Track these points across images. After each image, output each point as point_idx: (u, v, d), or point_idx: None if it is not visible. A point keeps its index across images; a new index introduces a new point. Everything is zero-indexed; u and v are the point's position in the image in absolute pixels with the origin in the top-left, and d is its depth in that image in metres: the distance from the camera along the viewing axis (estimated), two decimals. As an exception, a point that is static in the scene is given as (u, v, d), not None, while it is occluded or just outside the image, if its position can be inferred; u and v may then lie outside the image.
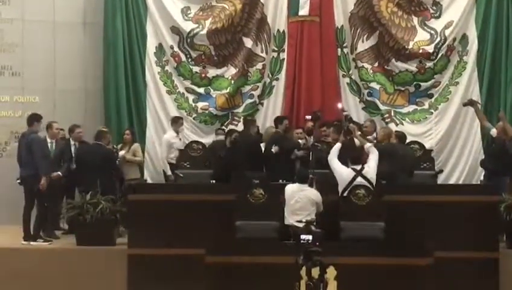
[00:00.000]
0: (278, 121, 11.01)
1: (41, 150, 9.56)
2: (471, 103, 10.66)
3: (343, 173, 8.61)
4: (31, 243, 9.54)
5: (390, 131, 10.43)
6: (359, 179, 8.53)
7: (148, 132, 12.45)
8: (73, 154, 10.46)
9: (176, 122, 11.62)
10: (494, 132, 10.10)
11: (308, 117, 10.79)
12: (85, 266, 9.11)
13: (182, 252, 8.73)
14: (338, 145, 8.94)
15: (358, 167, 8.60)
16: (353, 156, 8.76)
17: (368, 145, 8.93)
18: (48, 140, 10.06)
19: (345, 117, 10.23)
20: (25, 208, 9.71)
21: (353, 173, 8.54)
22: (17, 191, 9.92)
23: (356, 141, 9.55)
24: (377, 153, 8.77)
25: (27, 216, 9.67)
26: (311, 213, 8.31)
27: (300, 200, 8.43)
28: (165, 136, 11.70)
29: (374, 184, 8.59)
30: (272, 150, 10.22)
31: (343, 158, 8.82)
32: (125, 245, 9.14)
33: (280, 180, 9.38)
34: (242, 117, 12.29)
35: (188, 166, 10.42)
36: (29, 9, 12.09)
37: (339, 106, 11.36)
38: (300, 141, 10.62)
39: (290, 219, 8.38)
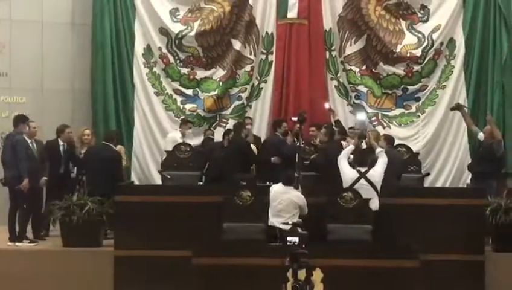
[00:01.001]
0: (276, 124, 11.02)
1: (24, 152, 9.50)
2: (458, 107, 10.72)
3: (347, 173, 8.65)
4: (17, 244, 9.49)
5: (377, 134, 10.45)
6: (362, 181, 8.54)
7: (135, 133, 12.44)
8: (62, 156, 10.37)
9: (185, 124, 11.62)
10: (481, 135, 10.17)
11: (294, 119, 10.78)
12: (71, 267, 9.06)
13: (169, 254, 8.71)
14: (350, 147, 9.00)
15: (363, 170, 8.61)
16: (360, 158, 8.79)
17: (378, 150, 8.91)
18: (28, 140, 9.71)
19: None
20: (10, 209, 9.65)
21: (357, 175, 8.55)
22: (3, 193, 9.85)
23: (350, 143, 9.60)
24: (386, 159, 8.76)
25: (12, 217, 9.61)
26: (294, 215, 8.30)
27: (283, 202, 8.43)
28: (171, 133, 11.72)
29: (379, 189, 8.57)
30: (272, 159, 10.27)
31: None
32: (112, 246, 9.11)
33: (268, 182, 9.40)
34: (230, 120, 12.31)
35: (176, 167, 10.39)
36: (17, 10, 11.98)
37: (326, 105, 11.39)
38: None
39: (273, 220, 8.42)
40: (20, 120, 9.82)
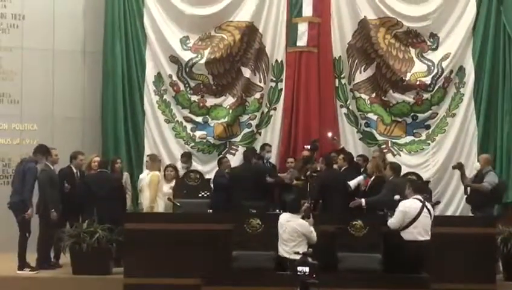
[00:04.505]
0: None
1: (32, 181, 9.50)
2: (460, 166, 10.68)
3: (410, 207, 8.26)
4: (17, 272, 9.45)
5: (377, 163, 10.30)
6: (425, 210, 8.27)
7: (145, 160, 12.43)
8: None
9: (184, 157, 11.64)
10: (477, 165, 10.24)
11: (307, 147, 10.81)
12: (81, 295, 9.07)
13: (178, 282, 8.69)
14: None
15: (422, 198, 8.40)
16: (418, 186, 8.64)
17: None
18: (39, 170, 9.69)
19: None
20: (20, 235, 9.64)
21: (420, 204, 8.27)
22: (13, 218, 9.85)
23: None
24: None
25: (21, 244, 9.60)
26: (300, 244, 8.24)
27: (287, 230, 8.38)
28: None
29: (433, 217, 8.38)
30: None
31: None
32: (122, 274, 9.09)
33: (277, 210, 9.40)
34: (240, 147, 12.34)
35: (186, 195, 10.38)
36: (28, 38, 12.12)
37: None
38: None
39: (280, 249, 8.39)
40: (40, 151, 9.78)
